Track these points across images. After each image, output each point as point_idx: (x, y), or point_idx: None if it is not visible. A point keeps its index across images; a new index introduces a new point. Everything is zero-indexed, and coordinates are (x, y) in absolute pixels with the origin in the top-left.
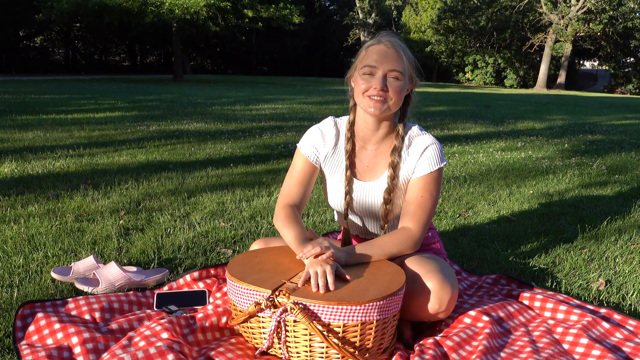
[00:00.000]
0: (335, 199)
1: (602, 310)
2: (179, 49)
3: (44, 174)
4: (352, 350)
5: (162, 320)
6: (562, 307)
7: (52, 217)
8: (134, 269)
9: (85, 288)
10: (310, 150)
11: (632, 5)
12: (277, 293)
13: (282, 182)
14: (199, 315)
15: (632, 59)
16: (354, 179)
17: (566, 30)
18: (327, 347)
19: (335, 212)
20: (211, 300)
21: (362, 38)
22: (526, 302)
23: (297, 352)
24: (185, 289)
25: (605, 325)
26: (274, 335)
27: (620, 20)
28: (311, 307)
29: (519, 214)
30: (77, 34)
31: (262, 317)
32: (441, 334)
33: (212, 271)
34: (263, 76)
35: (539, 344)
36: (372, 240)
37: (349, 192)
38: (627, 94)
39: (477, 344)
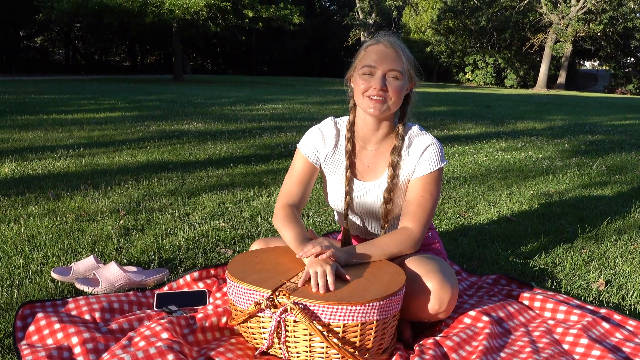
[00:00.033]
0: (336, 199)
1: (602, 311)
2: (179, 49)
3: (44, 174)
4: (352, 350)
5: (162, 321)
6: (562, 308)
7: (52, 217)
8: (134, 269)
9: (85, 288)
10: (310, 151)
11: (632, 6)
12: (277, 293)
13: (282, 182)
14: (199, 315)
15: (632, 59)
16: (354, 179)
17: (566, 30)
18: (327, 347)
19: (335, 212)
20: (211, 300)
21: (362, 38)
22: (526, 303)
23: (297, 352)
24: (185, 289)
25: (605, 325)
26: (274, 335)
27: (621, 21)
28: (311, 307)
29: (519, 214)
30: (77, 34)
31: (262, 317)
32: (441, 334)
33: (212, 271)
34: (263, 76)
35: (539, 344)
36: (372, 240)
37: (349, 193)
38: (627, 94)
39: (477, 344)
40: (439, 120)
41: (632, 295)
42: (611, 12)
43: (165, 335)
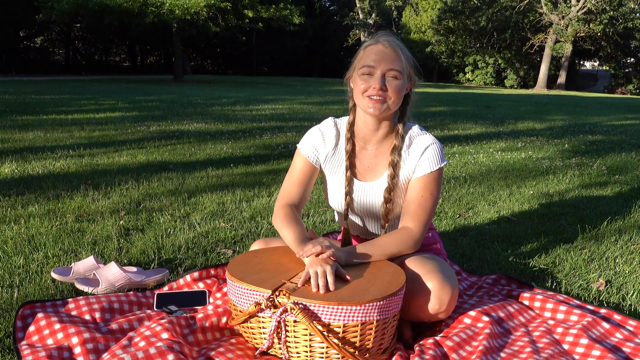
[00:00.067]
0: (336, 200)
1: (602, 311)
2: (179, 49)
3: (44, 175)
4: (352, 350)
5: (162, 321)
6: (562, 308)
7: (52, 218)
8: (134, 269)
9: (85, 288)
10: (310, 151)
11: (632, 6)
12: (277, 293)
13: (282, 182)
14: (199, 315)
15: (632, 59)
16: (355, 179)
17: (566, 30)
18: (327, 347)
19: (335, 213)
20: (211, 300)
21: (363, 38)
22: (526, 303)
23: (297, 352)
24: (186, 289)
25: (605, 325)
26: (274, 335)
27: (621, 21)
28: (311, 307)
29: (519, 214)
30: (78, 35)
31: (262, 317)
32: (441, 334)
33: (212, 271)
34: (263, 76)
35: (539, 344)
36: (372, 240)
37: (349, 193)
38: (627, 95)
39: (477, 344)
40: (439, 121)
41: (632, 295)
42: (611, 12)
43: (165, 335)
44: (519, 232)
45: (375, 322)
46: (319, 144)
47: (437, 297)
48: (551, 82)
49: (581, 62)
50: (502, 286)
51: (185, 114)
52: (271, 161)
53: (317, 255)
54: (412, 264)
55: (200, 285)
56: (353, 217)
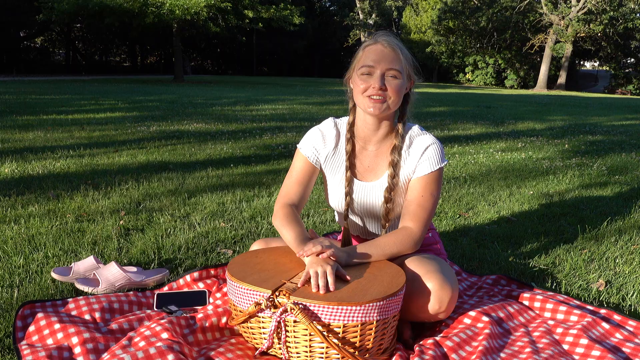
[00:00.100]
0: (336, 200)
1: (602, 311)
2: (179, 49)
3: (45, 174)
4: (352, 350)
5: (162, 321)
6: (562, 308)
7: (52, 218)
8: (134, 269)
9: (85, 288)
10: (310, 151)
11: (632, 6)
12: (277, 293)
13: (282, 182)
14: (199, 315)
15: (632, 60)
16: (355, 180)
17: (566, 30)
18: (327, 347)
19: (335, 213)
20: (211, 300)
21: (363, 39)
22: (526, 303)
23: (297, 353)
24: (186, 289)
25: (605, 325)
26: (274, 335)
27: (621, 21)
28: (311, 308)
29: (519, 214)
30: (78, 35)
31: (262, 317)
32: (441, 335)
33: (212, 271)
34: (263, 76)
35: (539, 344)
36: (372, 240)
37: (349, 193)
38: (627, 95)
39: (477, 344)
40: (439, 121)
41: (632, 296)
42: (611, 13)
43: (165, 335)
44: (519, 232)
45: (375, 322)
46: (319, 144)
47: (437, 297)
48: (551, 83)
49: (581, 63)
50: (502, 286)
51: (186, 114)
52: (271, 161)
53: (318, 255)
54: (412, 264)
55: (200, 285)
56: (353, 217)
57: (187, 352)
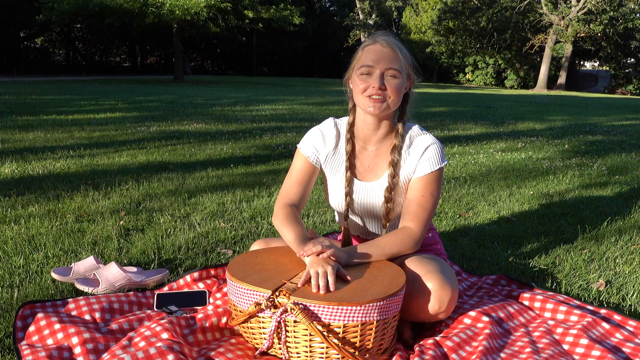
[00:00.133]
0: (336, 200)
1: (602, 311)
2: (179, 49)
3: (45, 175)
4: (352, 350)
5: (162, 321)
6: (562, 308)
7: (52, 218)
8: (134, 269)
9: (85, 288)
10: (311, 151)
11: (632, 6)
12: (277, 293)
13: (282, 182)
14: (199, 315)
15: (632, 60)
16: (355, 180)
17: (566, 31)
18: (327, 347)
19: (335, 213)
20: (211, 300)
21: (363, 39)
22: (526, 303)
23: (297, 353)
24: (186, 290)
25: (605, 325)
26: (274, 335)
27: (621, 21)
28: (311, 308)
29: (519, 214)
30: (78, 35)
31: (262, 317)
32: (441, 335)
33: (212, 271)
34: (263, 77)
35: (539, 344)
36: (372, 240)
37: (349, 193)
38: (627, 95)
39: (477, 344)
40: (439, 121)
41: (632, 296)
42: (611, 13)
43: (165, 335)
44: (519, 232)
45: (375, 322)
46: (319, 144)
47: (437, 297)
48: (551, 83)
49: (581, 63)
50: (502, 286)
51: (186, 114)
52: (271, 161)
53: (318, 255)
54: (412, 264)
55: (200, 286)
56: (353, 217)
57: (187, 352)
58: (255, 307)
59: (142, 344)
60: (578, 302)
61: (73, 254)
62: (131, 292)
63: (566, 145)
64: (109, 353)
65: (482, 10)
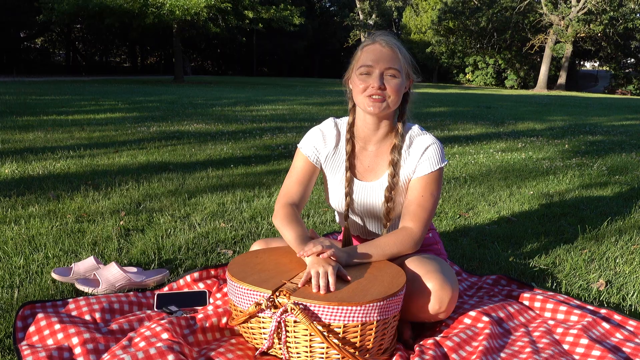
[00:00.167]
0: (336, 200)
1: (603, 311)
2: (179, 50)
3: (45, 175)
4: (352, 350)
5: (162, 321)
6: (563, 308)
7: (52, 218)
8: (134, 269)
9: (85, 289)
10: (311, 150)
11: (632, 6)
12: (277, 293)
13: (282, 182)
14: (199, 315)
15: (632, 60)
16: (355, 180)
17: (567, 31)
18: (327, 347)
19: (335, 213)
20: (211, 300)
21: (363, 39)
22: (526, 303)
23: (298, 353)
24: (186, 290)
25: (606, 325)
26: (274, 335)
27: (621, 21)
28: (311, 308)
29: (519, 214)
30: (78, 35)
31: (263, 317)
32: (441, 335)
33: (213, 272)
34: (263, 77)
35: (539, 344)
36: (372, 240)
37: (349, 193)
38: (627, 95)
39: (477, 344)
40: (439, 121)
41: (632, 296)
42: (611, 13)
43: (165, 335)
44: (519, 232)
45: (375, 322)
46: (320, 144)
47: (437, 297)
48: (551, 83)
49: (581, 63)
50: (502, 286)
51: (186, 114)
52: (271, 162)
53: (318, 255)
54: (412, 264)
55: (201, 286)
56: (353, 217)
57: (187, 352)
58: (256, 307)
59: (142, 344)
60: (578, 302)
61: (73, 254)
62: (131, 293)
63: (566, 146)
64: (109, 353)
65: (482, 10)
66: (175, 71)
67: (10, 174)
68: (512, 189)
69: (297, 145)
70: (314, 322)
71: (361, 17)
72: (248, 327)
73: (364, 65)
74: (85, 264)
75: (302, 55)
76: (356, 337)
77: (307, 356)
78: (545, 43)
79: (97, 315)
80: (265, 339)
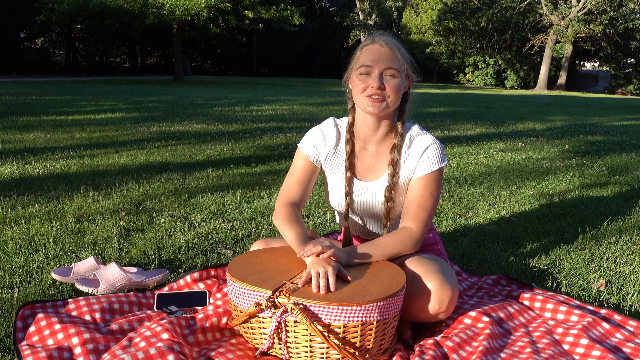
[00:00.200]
0: (336, 200)
1: (603, 311)
2: (179, 50)
3: (45, 175)
4: (352, 350)
5: (163, 321)
6: (563, 308)
7: (52, 218)
8: (134, 269)
9: (85, 289)
10: (311, 150)
11: (632, 6)
12: (277, 293)
13: (282, 183)
14: (199, 315)
15: (632, 60)
16: (355, 180)
17: (567, 31)
18: (327, 347)
19: (336, 213)
20: (211, 300)
21: (363, 39)
22: (526, 303)
23: (298, 353)
24: (186, 290)
25: (606, 325)
26: (275, 335)
27: (621, 21)
28: (312, 308)
29: (519, 214)
30: (78, 36)
31: (263, 317)
32: (441, 335)
33: (213, 272)
34: (263, 77)
35: (539, 344)
36: (372, 240)
37: (349, 193)
38: (627, 95)
39: (477, 344)
40: (439, 121)
41: (632, 296)
42: (611, 13)
43: (165, 335)
44: (519, 232)
45: (375, 322)
46: (320, 144)
47: (437, 297)
48: (551, 83)
49: (581, 63)
50: (502, 287)
51: (186, 114)
52: (271, 162)
53: (318, 255)
54: (412, 264)
55: (201, 286)
56: (353, 217)
57: (188, 352)
58: (256, 307)
59: (142, 344)
60: (578, 302)
61: (73, 254)
62: (131, 293)
63: (566, 146)
64: (109, 353)
65: (482, 10)
66: (175, 71)
67: (11, 174)
68: (512, 189)
69: (297, 145)
70: (314, 322)
71: (361, 17)
72: (248, 327)
73: (363, 65)
74: (85, 264)
75: (302, 55)
76: (356, 337)
77: (307, 356)
78: (545, 43)
79: (97, 316)
80: (265, 339)
